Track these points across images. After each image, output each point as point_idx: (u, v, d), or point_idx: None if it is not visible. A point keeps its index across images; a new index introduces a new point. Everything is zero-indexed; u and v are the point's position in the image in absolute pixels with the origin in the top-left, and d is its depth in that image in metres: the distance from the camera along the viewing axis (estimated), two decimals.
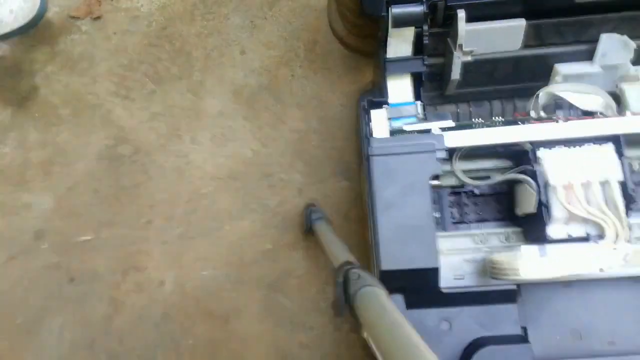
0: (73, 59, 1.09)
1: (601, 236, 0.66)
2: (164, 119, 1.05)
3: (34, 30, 1.10)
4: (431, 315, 0.69)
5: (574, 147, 0.69)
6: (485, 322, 0.68)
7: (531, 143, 0.69)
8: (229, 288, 0.98)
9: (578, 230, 0.67)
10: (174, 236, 1.00)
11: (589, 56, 0.77)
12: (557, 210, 0.67)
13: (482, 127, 0.74)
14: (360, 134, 0.80)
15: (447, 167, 0.74)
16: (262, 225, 1.00)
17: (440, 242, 0.72)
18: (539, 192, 0.67)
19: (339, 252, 0.69)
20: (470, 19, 0.72)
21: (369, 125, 0.75)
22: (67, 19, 1.11)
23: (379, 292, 0.52)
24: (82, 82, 1.08)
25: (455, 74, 0.76)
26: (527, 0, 0.72)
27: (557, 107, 0.75)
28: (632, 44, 0.73)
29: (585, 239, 0.67)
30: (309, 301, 0.96)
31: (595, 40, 0.76)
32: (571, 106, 0.74)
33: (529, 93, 0.79)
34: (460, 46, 0.73)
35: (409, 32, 0.74)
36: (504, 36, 0.75)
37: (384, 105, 0.76)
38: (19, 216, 1.03)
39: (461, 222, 0.78)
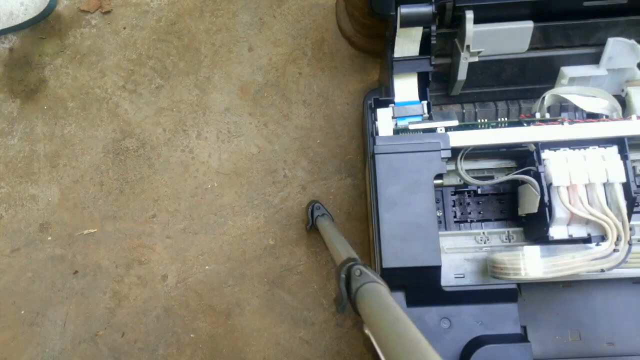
0: (82, 53, 1.10)
1: (603, 237, 0.67)
2: (171, 113, 1.06)
3: (43, 23, 1.11)
4: (431, 313, 0.69)
5: (579, 149, 0.69)
6: (485, 320, 0.68)
7: (535, 144, 0.69)
8: (231, 283, 0.98)
9: (580, 231, 0.68)
10: (177, 230, 1.01)
11: (595, 59, 0.78)
12: (559, 211, 0.67)
13: (487, 127, 0.74)
14: (366, 132, 0.81)
15: (450, 167, 0.74)
16: (265, 221, 1.00)
17: (442, 240, 0.73)
18: (542, 193, 0.68)
19: (342, 248, 0.68)
20: (478, 20, 0.72)
21: (374, 124, 0.75)
22: (77, 12, 1.12)
23: (381, 289, 0.52)
24: (90, 75, 1.09)
25: (462, 74, 0.76)
26: (534, 2, 0.73)
27: (563, 109, 0.75)
28: (639, 48, 0.74)
29: (587, 239, 0.68)
30: (311, 297, 0.96)
31: (602, 44, 0.76)
32: (576, 108, 0.74)
33: (535, 95, 0.80)
34: (468, 47, 0.74)
35: (417, 32, 0.74)
36: (511, 38, 0.76)
37: (390, 104, 0.76)
38: (24, 208, 1.04)
39: (463, 221, 0.79)
